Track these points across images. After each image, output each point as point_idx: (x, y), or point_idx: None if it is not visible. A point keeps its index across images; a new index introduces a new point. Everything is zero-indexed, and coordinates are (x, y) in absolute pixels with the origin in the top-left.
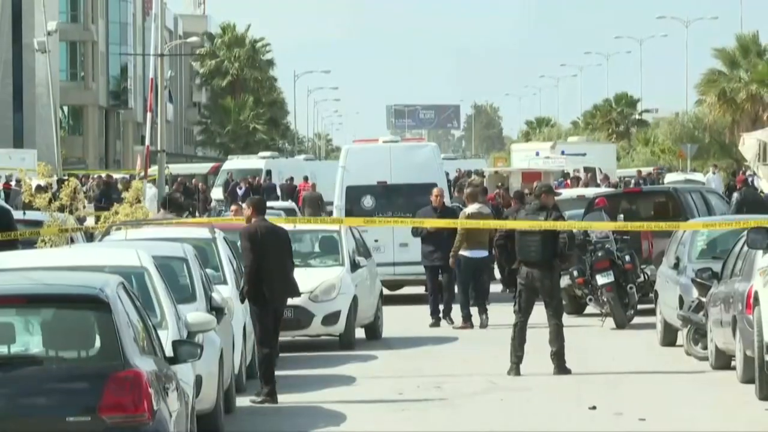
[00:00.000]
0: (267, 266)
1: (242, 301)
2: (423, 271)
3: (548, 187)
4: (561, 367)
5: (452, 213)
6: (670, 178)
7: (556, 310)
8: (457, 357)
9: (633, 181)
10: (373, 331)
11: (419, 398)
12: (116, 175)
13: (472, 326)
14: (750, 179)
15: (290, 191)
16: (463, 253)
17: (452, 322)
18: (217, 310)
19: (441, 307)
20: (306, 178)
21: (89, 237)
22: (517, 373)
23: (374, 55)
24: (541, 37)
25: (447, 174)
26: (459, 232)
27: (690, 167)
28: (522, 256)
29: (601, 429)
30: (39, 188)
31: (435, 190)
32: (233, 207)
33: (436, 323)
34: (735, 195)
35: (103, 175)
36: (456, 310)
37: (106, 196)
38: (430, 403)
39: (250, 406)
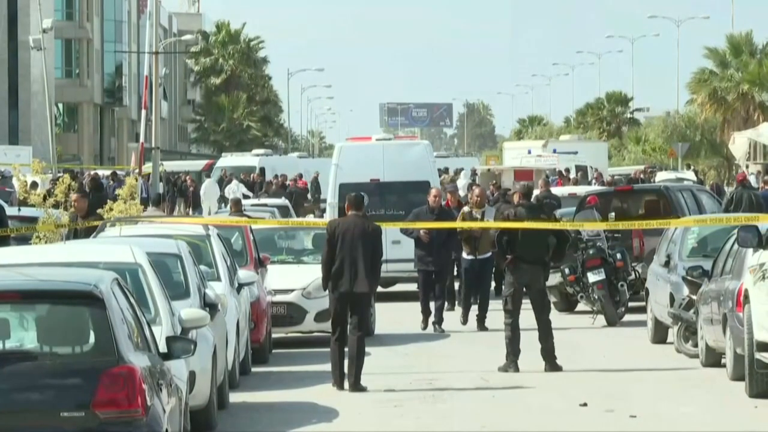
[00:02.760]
0: (340, 258)
1: (324, 289)
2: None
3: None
4: (552, 364)
5: (449, 215)
6: (662, 177)
7: (546, 307)
8: (449, 354)
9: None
10: (366, 327)
11: (411, 394)
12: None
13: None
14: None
15: (282, 188)
16: (468, 257)
17: (443, 331)
18: (210, 307)
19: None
20: (300, 176)
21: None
22: (517, 369)
23: (367, 54)
24: (533, 36)
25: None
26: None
27: (681, 166)
28: (523, 255)
29: (591, 426)
30: (33, 185)
31: (433, 191)
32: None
33: (426, 326)
34: (728, 192)
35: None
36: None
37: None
38: (422, 399)
39: (243, 402)
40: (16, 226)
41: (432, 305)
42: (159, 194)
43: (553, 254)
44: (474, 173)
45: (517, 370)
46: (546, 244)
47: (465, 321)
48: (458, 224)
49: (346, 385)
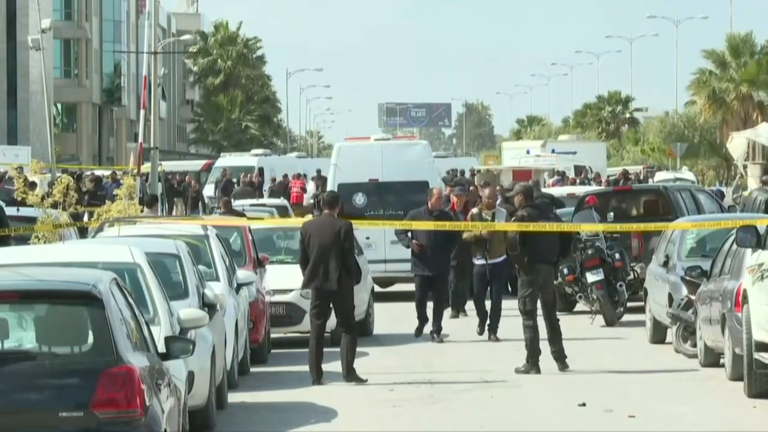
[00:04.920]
0: (313, 257)
1: (303, 287)
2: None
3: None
4: (564, 364)
5: (448, 218)
6: (660, 177)
7: (555, 306)
8: (448, 353)
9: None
10: (365, 327)
11: (410, 394)
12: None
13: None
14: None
15: (282, 188)
16: (479, 261)
17: (441, 341)
18: (209, 307)
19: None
20: (299, 176)
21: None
22: (539, 370)
23: (366, 54)
24: (532, 36)
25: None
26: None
27: (680, 166)
28: (538, 255)
29: (590, 426)
30: (32, 184)
31: (435, 191)
32: None
33: (419, 333)
34: (757, 194)
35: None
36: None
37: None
38: (421, 399)
39: (242, 402)
40: (15, 226)
41: (431, 312)
42: (154, 195)
43: (559, 252)
44: (472, 173)
45: (539, 371)
46: (556, 244)
47: (482, 331)
48: (462, 224)
49: (344, 381)
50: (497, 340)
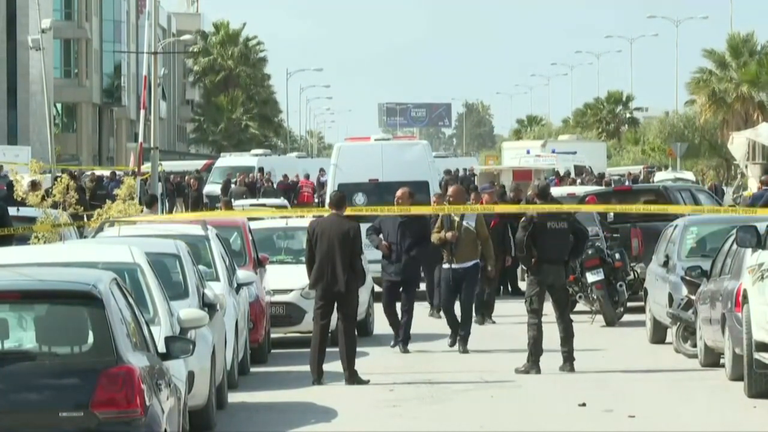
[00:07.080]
0: (319, 257)
1: (310, 288)
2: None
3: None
4: (572, 366)
5: (417, 218)
6: (660, 177)
7: (568, 305)
8: (447, 353)
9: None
10: (365, 327)
11: (410, 394)
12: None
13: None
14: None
15: (283, 188)
16: (444, 265)
17: (408, 351)
18: (209, 307)
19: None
20: (307, 176)
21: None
22: (539, 370)
23: (366, 54)
24: (532, 36)
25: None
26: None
27: (680, 166)
28: (547, 254)
29: (590, 426)
30: (33, 184)
31: (398, 192)
32: None
33: (402, 346)
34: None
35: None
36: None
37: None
38: (421, 399)
39: (242, 402)
40: (15, 226)
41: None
42: (154, 195)
43: (572, 251)
44: (473, 173)
45: (539, 371)
46: (567, 243)
47: (453, 342)
48: (462, 208)
49: (343, 382)
50: (466, 352)
